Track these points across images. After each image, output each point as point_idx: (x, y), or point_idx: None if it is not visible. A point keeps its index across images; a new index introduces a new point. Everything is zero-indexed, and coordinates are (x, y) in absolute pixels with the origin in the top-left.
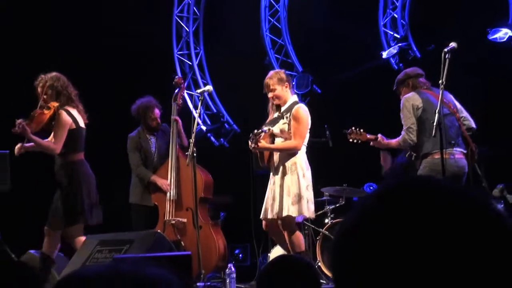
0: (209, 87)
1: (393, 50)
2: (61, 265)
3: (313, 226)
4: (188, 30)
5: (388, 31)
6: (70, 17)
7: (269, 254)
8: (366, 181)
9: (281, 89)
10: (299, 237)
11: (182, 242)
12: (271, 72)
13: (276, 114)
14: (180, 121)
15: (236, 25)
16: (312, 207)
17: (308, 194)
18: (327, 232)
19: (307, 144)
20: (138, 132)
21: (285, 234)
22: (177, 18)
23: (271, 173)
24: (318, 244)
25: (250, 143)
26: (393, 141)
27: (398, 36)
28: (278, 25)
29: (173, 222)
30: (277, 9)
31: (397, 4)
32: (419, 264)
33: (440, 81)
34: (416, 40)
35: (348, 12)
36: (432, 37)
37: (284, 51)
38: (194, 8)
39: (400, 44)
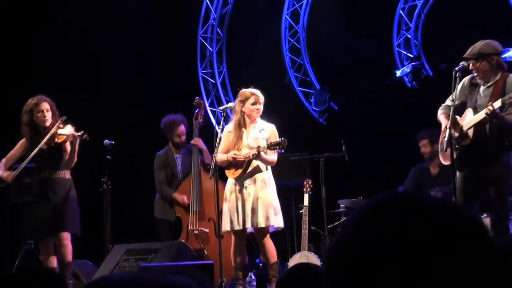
0: (232, 104)
1: (407, 69)
2: (90, 273)
3: (330, 237)
4: (211, 50)
5: (401, 50)
6: (97, 38)
7: (287, 263)
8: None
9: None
10: (274, 248)
11: (205, 251)
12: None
13: (248, 132)
14: (200, 141)
15: (258, 45)
16: None
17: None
18: None
19: None
20: (165, 151)
21: (264, 244)
22: (201, 39)
23: (241, 185)
24: None
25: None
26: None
27: (412, 56)
28: (298, 45)
29: (196, 232)
30: (297, 30)
31: (411, 25)
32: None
33: (451, 98)
34: (428, 59)
35: (364, 33)
36: (444, 56)
37: (303, 70)
38: (218, 29)
39: (413, 63)
